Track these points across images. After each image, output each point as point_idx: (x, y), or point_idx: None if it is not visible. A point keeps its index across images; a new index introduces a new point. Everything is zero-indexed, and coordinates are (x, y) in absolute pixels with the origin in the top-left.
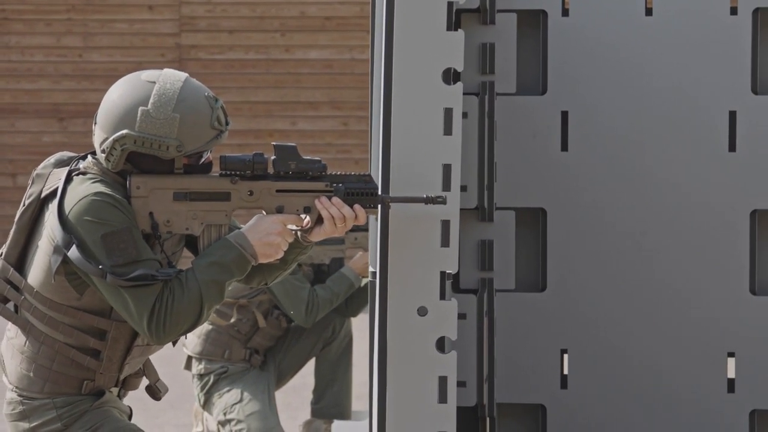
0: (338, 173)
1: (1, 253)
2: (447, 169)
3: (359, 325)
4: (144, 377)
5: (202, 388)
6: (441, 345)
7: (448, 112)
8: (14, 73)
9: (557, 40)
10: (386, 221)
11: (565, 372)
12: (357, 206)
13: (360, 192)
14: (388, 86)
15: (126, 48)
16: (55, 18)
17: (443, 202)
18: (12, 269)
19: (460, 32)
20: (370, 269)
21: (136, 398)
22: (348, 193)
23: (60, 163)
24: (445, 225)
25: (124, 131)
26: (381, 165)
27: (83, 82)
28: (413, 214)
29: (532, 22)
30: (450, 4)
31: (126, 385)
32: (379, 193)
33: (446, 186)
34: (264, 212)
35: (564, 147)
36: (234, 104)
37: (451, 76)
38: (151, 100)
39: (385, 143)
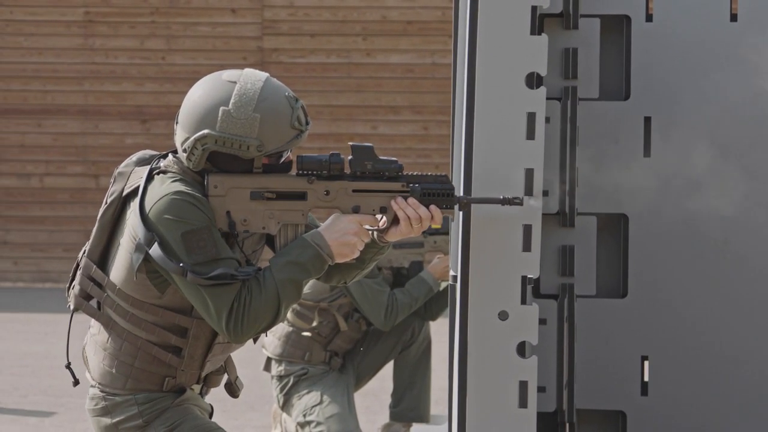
0: (415, 173)
1: (85, 250)
2: (529, 173)
3: (437, 330)
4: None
5: (282, 390)
6: (522, 349)
7: (531, 117)
8: (98, 75)
9: (641, 45)
10: (468, 225)
11: (646, 379)
12: (433, 207)
13: (436, 192)
14: (471, 90)
15: (208, 51)
16: (138, 21)
17: (520, 203)
18: (95, 267)
19: (544, 36)
20: (451, 273)
21: (216, 399)
22: (424, 193)
23: (141, 162)
24: (527, 229)
25: (206, 131)
26: (463, 169)
27: (166, 85)
28: (495, 219)
29: (616, 27)
30: (534, 9)
31: (208, 382)
32: (456, 193)
33: (528, 190)
34: (340, 212)
35: (647, 153)
36: (315, 108)
37: (534, 81)
38: (232, 100)
39: (467, 147)
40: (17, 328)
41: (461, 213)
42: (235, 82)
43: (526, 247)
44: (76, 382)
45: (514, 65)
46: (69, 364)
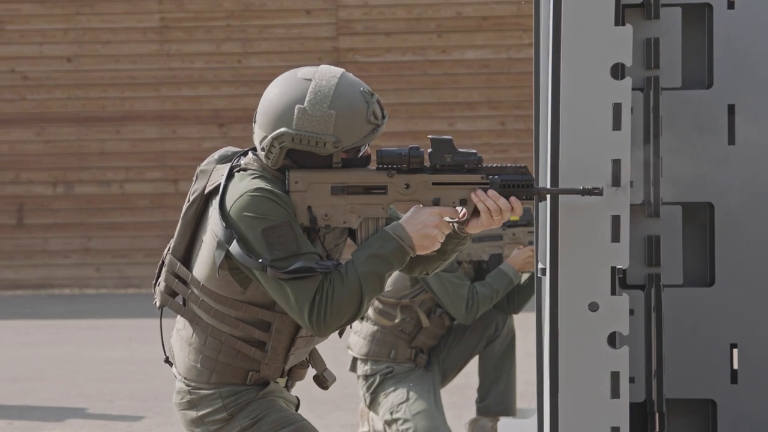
0: (494, 165)
1: (169, 247)
2: (616, 164)
3: (520, 324)
4: (310, 367)
5: (368, 389)
6: (612, 340)
7: (617, 107)
8: (175, 80)
9: (723, 33)
10: (556, 218)
11: (735, 367)
12: (513, 198)
13: (516, 184)
14: (556, 82)
15: (284, 53)
16: (214, 25)
17: (600, 193)
18: (179, 264)
19: (629, 27)
20: (540, 265)
21: (303, 399)
22: (504, 185)
23: (223, 159)
24: (615, 220)
25: (282, 129)
26: (550, 161)
27: (242, 88)
28: (583, 210)
29: (697, 16)
30: (617, 0)
31: (292, 376)
32: (536, 184)
33: (616, 181)
34: (421, 205)
35: (731, 141)
36: (391, 106)
37: (619, 72)
38: (307, 98)
39: (554, 139)
40: (101, 334)
41: (549, 206)
42: (310, 80)
43: (615, 237)
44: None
45: (599, 56)
46: (167, 358)
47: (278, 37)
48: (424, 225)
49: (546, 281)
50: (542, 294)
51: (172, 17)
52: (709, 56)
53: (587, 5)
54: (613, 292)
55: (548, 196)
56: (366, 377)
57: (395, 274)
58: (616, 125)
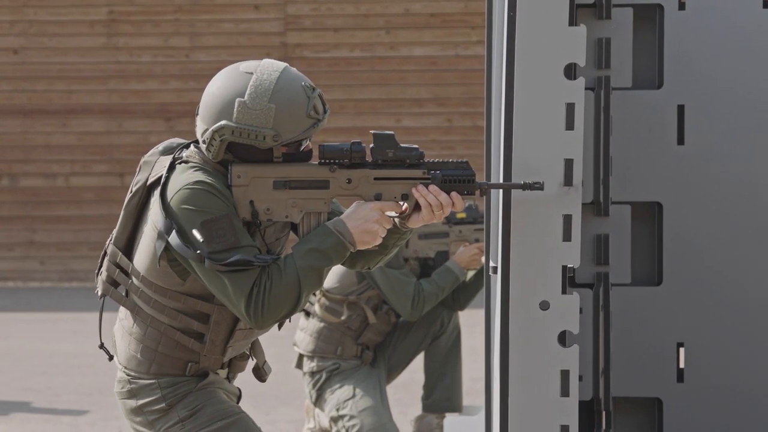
0: (436, 160)
1: (112, 237)
2: (569, 163)
3: (465, 321)
4: (251, 359)
5: (314, 385)
6: (562, 339)
7: (570, 107)
8: (122, 74)
9: (673, 33)
10: (508, 216)
11: (681, 365)
12: (454, 193)
13: (457, 179)
14: (509, 82)
15: (232, 47)
16: (162, 19)
17: (540, 188)
18: (120, 254)
19: (582, 27)
20: (491, 264)
21: (248, 394)
22: (445, 180)
23: (167, 151)
24: (567, 219)
25: (223, 122)
26: (503, 160)
27: (190, 82)
28: (535, 209)
29: (648, 16)
30: (571, 0)
31: (233, 367)
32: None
33: (568, 180)
34: (363, 200)
35: (680, 141)
36: (339, 102)
37: (572, 72)
38: (247, 91)
39: (507, 139)
40: (45, 328)
41: (501, 204)
42: (251, 73)
43: (567, 236)
44: (111, 358)
45: (552, 56)
46: (102, 344)
47: (226, 32)
48: (365, 220)
49: (497, 279)
50: (493, 292)
51: (120, 10)
52: (660, 57)
53: (541, 5)
54: (564, 291)
55: (492, 191)
56: (312, 374)
57: (342, 270)
58: (569, 125)
